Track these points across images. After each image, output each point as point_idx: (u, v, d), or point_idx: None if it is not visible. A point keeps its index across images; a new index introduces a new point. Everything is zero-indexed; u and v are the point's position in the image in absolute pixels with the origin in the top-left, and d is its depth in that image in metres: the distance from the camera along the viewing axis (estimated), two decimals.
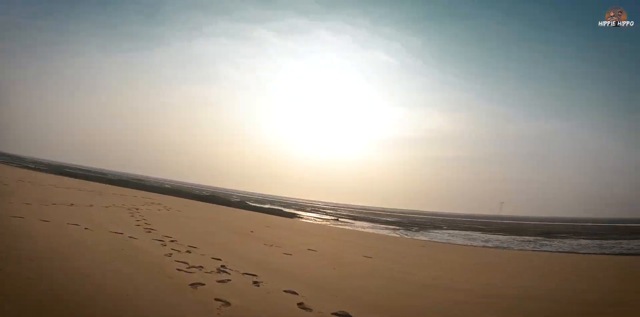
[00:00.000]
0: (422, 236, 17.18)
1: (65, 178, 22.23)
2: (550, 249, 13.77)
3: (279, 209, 26.97)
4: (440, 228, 25.24)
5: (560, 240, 18.21)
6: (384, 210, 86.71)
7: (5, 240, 4.00)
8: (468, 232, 22.22)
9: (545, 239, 18.95)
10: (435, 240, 15.53)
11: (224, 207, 19.93)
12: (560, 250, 13.67)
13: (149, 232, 6.19)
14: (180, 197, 22.29)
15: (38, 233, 4.69)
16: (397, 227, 22.61)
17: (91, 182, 21.65)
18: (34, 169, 29.67)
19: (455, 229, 24.81)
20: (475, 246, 14.17)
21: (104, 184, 21.93)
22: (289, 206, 40.30)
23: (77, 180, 22.18)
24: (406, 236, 16.71)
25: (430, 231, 21.87)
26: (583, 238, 19.78)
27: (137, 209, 9.50)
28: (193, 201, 20.82)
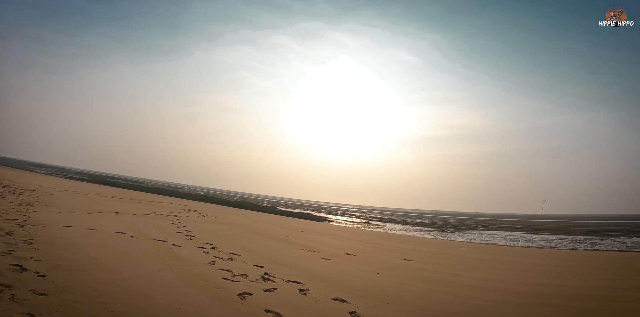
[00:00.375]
0: (459, 238, 16.49)
1: (106, 187, 23.34)
2: (604, 248, 12.78)
3: (309, 213, 26.91)
4: (477, 229, 24.21)
5: (612, 239, 16.90)
6: (412, 211, 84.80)
7: (55, 250, 4.10)
8: (508, 233, 21.14)
9: (596, 237, 17.68)
10: (475, 241, 14.84)
11: (256, 212, 20.13)
12: (616, 249, 12.66)
13: (190, 239, 6.25)
14: (213, 203, 22.78)
15: (87, 242, 4.81)
16: (431, 229, 21.89)
17: (130, 191, 22.57)
18: (78, 179, 31.43)
19: (493, 230, 23.71)
20: (519, 246, 13.41)
21: (142, 192, 22.80)
22: (317, 209, 40.22)
23: (117, 189, 23.21)
24: (442, 238, 16.11)
25: (467, 231, 21.01)
26: (637, 236, 18.32)
27: (175, 216, 9.70)
28: (226, 207, 21.20)
